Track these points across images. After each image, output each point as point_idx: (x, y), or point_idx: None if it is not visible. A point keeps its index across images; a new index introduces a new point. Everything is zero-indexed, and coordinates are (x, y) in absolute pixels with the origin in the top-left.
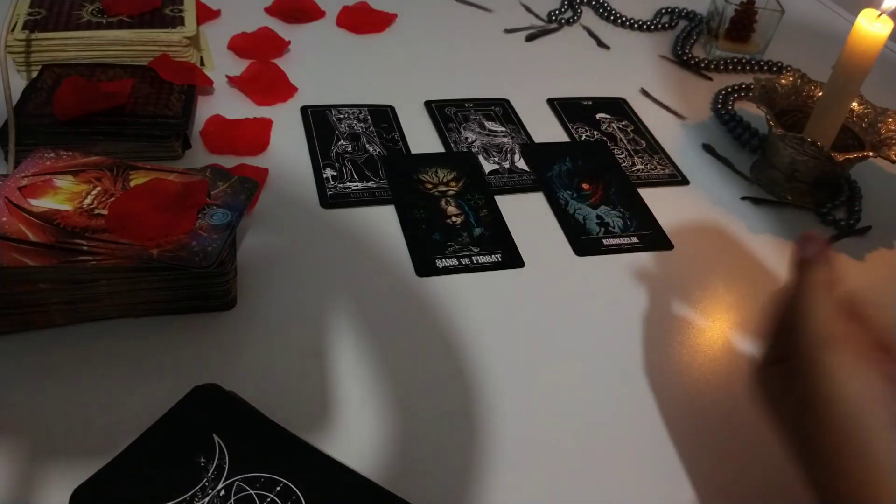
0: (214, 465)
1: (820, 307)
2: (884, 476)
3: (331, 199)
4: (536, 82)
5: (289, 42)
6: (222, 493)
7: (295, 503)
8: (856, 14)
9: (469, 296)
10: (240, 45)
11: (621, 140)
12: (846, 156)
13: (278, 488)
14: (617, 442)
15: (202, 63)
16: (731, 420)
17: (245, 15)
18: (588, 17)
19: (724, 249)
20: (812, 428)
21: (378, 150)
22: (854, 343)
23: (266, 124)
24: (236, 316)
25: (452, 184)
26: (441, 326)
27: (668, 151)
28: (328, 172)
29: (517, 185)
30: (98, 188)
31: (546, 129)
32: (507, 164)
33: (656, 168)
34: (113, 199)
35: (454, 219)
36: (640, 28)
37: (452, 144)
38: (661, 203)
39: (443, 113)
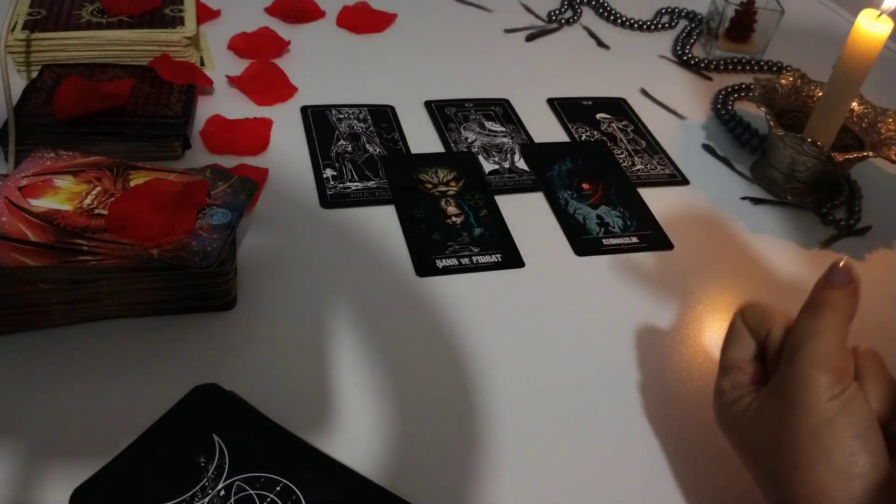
0: (214, 465)
1: (832, 332)
2: (841, 484)
3: (331, 199)
4: (536, 82)
5: (289, 42)
6: (222, 493)
7: (295, 503)
8: (856, 14)
9: (469, 296)
10: (240, 45)
11: (621, 140)
12: (846, 156)
13: (278, 488)
14: (617, 442)
15: (202, 63)
16: None
17: (245, 15)
18: (588, 17)
19: (724, 249)
20: (783, 443)
21: (378, 150)
22: (850, 383)
23: (266, 124)
24: (236, 316)
25: (452, 184)
26: (441, 326)
27: (668, 151)
28: (328, 172)
29: (517, 185)
30: (98, 188)
31: (546, 129)
32: (507, 164)
33: (656, 168)
34: (113, 199)
35: (454, 219)
36: (640, 28)
37: (452, 144)
38: (661, 203)
39: (443, 113)
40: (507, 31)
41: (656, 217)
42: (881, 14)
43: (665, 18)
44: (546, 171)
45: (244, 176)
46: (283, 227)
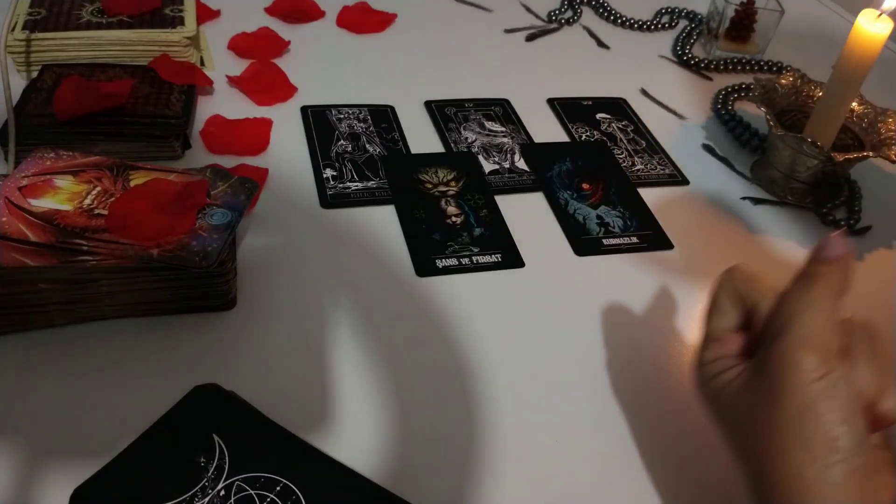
0: (214, 465)
1: (820, 309)
2: (818, 471)
3: (331, 199)
4: (536, 82)
5: (289, 42)
6: (222, 493)
7: (295, 503)
8: (856, 14)
9: (469, 296)
10: (240, 45)
11: (621, 140)
12: (846, 156)
13: (278, 488)
14: (617, 442)
15: (202, 63)
16: None
17: (245, 15)
18: (588, 17)
19: (724, 249)
20: (763, 423)
21: (378, 150)
22: (836, 364)
23: (266, 124)
24: (236, 316)
25: (452, 184)
26: (441, 326)
27: (668, 151)
28: (328, 172)
29: (517, 185)
30: (98, 188)
31: (546, 129)
32: (507, 164)
33: (656, 168)
34: (113, 199)
35: (454, 219)
36: (640, 28)
37: (452, 144)
38: (661, 203)
39: (443, 113)
40: (507, 31)
41: (656, 217)
42: (881, 14)
43: (665, 18)
44: (546, 171)
45: (244, 176)
46: (283, 227)
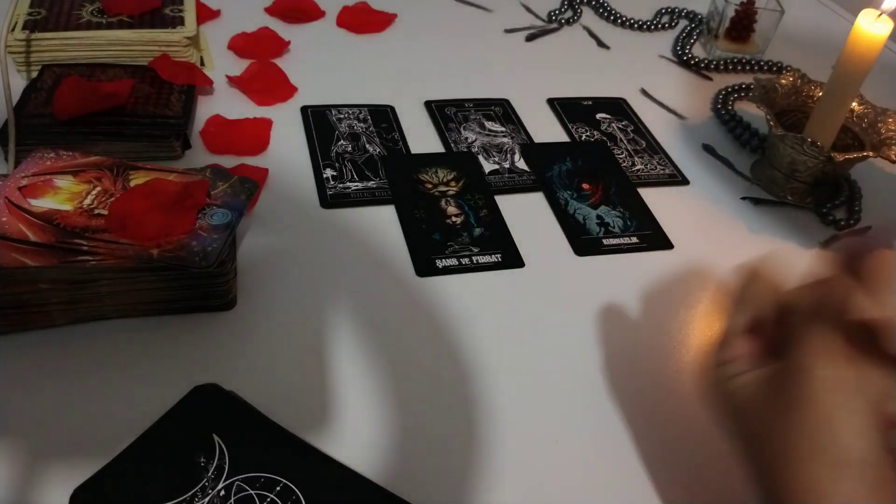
0: (214, 465)
1: (835, 317)
2: (835, 483)
3: (331, 199)
4: (536, 82)
5: (289, 42)
6: (222, 493)
7: (295, 503)
8: (856, 14)
9: (469, 296)
10: (240, 45)
11: (621, 140)
12: (846, 156)
13: (278, 488)
14: (617, 442)
15: (202, 63)
16: None
17: (245, 15)
18: (588, 17)
19: (724, 249)
20: (777, 432)
21: (378, 150)
22: (855, 375)
23: (266, 124)
24: (236, 316)
25: (452, 184)
26: (441, 326)
27: (668, 151)
28: (328, 172)
29: (517, 185)
30: (98, 188)
31: (546, 129)
32: (507, 164)
33: (656, 168)
34: (113, 199)
35: (454, 219)
36: (640, 28)
37: (452, 144)
38: (661, 203)
39: (443, 113)
40: (507, 31)
41: (656, 217)
42: (881, 14)
43: (665, 18)
44: (546, 171)
45: (244, 176)
46: (283, 227)
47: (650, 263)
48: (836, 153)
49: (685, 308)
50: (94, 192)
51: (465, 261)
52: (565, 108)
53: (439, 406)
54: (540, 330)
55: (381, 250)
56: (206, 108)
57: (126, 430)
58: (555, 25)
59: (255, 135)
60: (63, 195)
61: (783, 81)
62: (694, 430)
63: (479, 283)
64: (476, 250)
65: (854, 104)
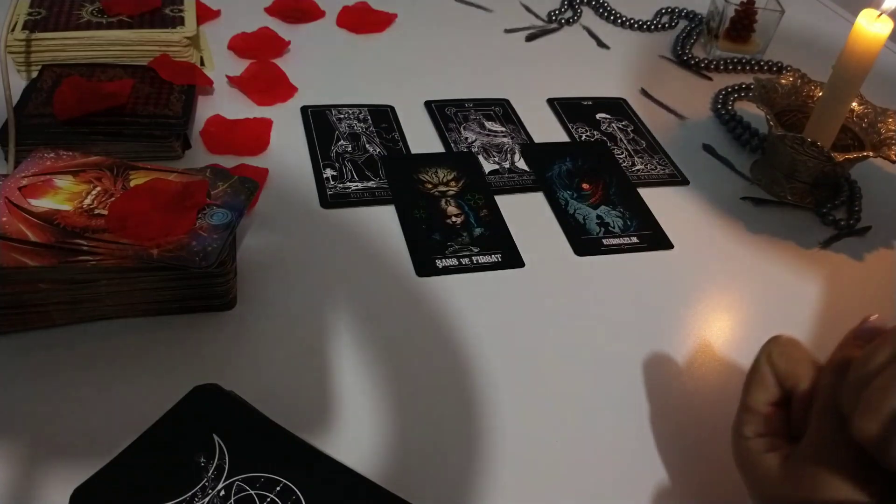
0: (214, 465)
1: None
2: None
3: (331, 199)
4: (536, 82)
5: (289, 42)
6: (222, 493)
7: (295, 503)
8: (856, 14)
9: (469, 296)
10: (240, 45)
11: (621, 140)
12: (846, 156)
13: (278, 488)
14: (616, 442)
15: (202, 63)
16: (729, 421)
17: (245, 15)
18: (588, 17)
19: (724, 249)
20: None
21: (378, 150)
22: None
23: (266, 124)
24: (236, 316)
25: (452, 184)
26: (441, 326)
27: (668, 151)
28: (328, 172)
29: (517, 185)
30: (98, 188)
31: (546, 129)
32: (507, 164)
33: (656, 168)
34: (113, 199)
35: (454, 219)
36: (640, 28)
37: (452, 144)
38: (661, 203)
39: (443, 113)
40: (507, 31)
41: (656, 217)
42: (881, 14)
43: (665, 18)
44: (546, 171)
45: (244, 176)
46: (283, 227)
47: (650, 263)
48: (836, 153)
49: (685, 308)
50: (94, 192)
51: (465, 261)
52: (565, 108)
53: (439, 406)
54: (540, 330)
55: (381, 250)
56: (206, 108)
57: (126, 430)
58: (555, 25)
59: (255, 135)
60: (63, 195)
61: (783, 81)
62: (694, 430)
63: (479, 283)
64: (476, 250)
65: (854, 104)
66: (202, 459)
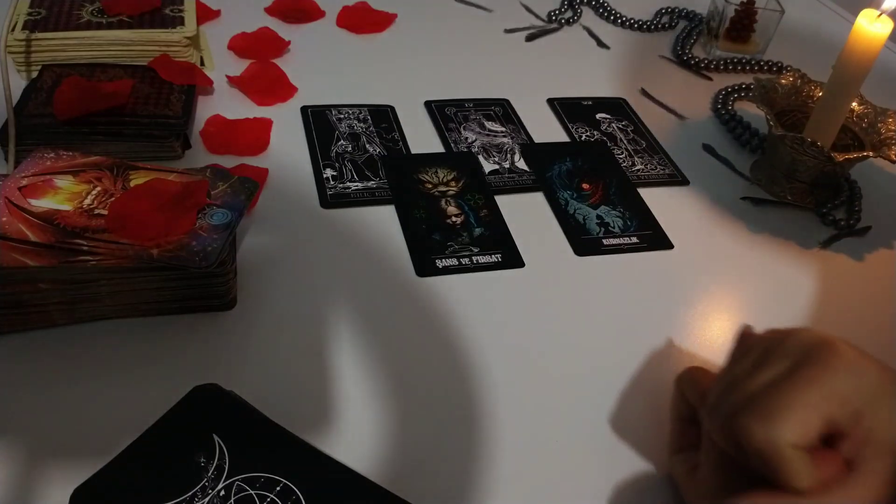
0: (214, 465)
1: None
2: None
3: (331, 199)
4: (536, 82)
5: (289, 42)
6: (222, 493)
7: (295, 503)
8: (856, 14)
9: (469, 296)
10: (240, 45)
11: (621, 140)
12: (846, 156)
13: (278, 488)
14: (616, 442)
15: (202, 63)
16: None
17: (245, 15)
18: (588, 17)
19: (724, 249)
20: None
21: (378, 150)
22: None
23: (266, 124)
24: (236, 316)
25: (452, 184)
26: (441, 326)
27: (668, 151)
28: (328, 172)
29: (517, 185)
30: (98, 188)
31: (546, 129)
32: (507, 164)
33: (656, 168)
34: (113, 199)
35: (454, 219)
36: (640, 28)
37: (452, 144)
38: (661, 203)
39: (443, 113)
40: (507, 31)
41: (656, 217)
42: (881, 14)
43: (665, 18)
44: (546, 171)
45: (244, 176)
46: (283, 227)
47: (650, 263)
48: (836, 153)
49: (685, 308)
50: (94, 192)
51: (465, 261)
52: (565, 108)
53: (439, 406)
54: (540, 330)
55: (381, 250)
56: (206, 108)
57: (126, 430)
58: (555, 25)
59: (255, 135)
60: (63, 195)
61: (783, 81)
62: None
63: (479, 283)
64: (476, 250)
65: (854, 104)
66: (202, 459)
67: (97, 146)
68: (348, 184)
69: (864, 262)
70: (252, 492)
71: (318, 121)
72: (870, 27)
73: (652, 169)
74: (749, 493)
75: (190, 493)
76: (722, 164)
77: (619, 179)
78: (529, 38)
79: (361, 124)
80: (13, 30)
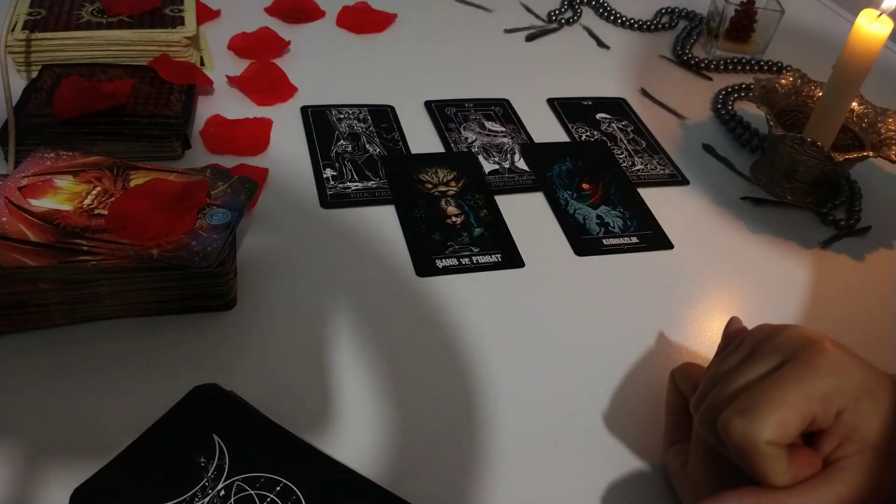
0: (214, 465)
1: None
2: None
3: (331, 199)
4: (536, 82)
5: (289, 42)
6: (222, 493)
7: (295, 503)
8: (856, 14)
9: (469, 296)
10: (240, 45)
11: (621, 140)
12: (846, 156)
13: (278, 488)
14: (616, 442)
15: (202, 63)
16: None
17: (245, 15)
18: (588, 17)
19: (724, 249)
20: None
21: (378, 150)
22: None
23: (266, 124)
24: (236, 316)
25: (452, 184)
26: (441, 326)
27: (668, 151)
28: (328, 172)
29: (517, 185)
30: (98, 188)
31: (546, 129)
32: (507, 164)
33: (656, 168)
34: (113, 199)
35: (454, 219)
36: (640, 28)
37: (452, 144)
38: (661, 203)
39: (443, 113)
40: (507, 31)
41: (656, 217)
42: (881, 14)
43: (665, 18)
44: (546, 171)
45: (244, 176)
46: (283, 227)
47: (650, 263)
48: (836, 153)
49: (685, 308)
50: (94, 192)
51: (465, 261)
52: (565, 108)
53: (439, 406)
54: (540, 330)
55: (381, 250)
56: (206, 108)
57: (126, 430)
58: (555, 25)
59: (255, 135)
60: (63, 195)
61: (783, 81)
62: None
63: (479, 283)
64: (476, 250)
65: (854, 104)
66: (202, 459)
67: (97, 146)
68: (348, 184)
69: (864, 262)
70: (252, 492)
71: (318, 121)
72: (870, 27)
73: (652, 169)
74: (737, 490)
75: (190, 493)
76: (722, 164)
77: (619, 179)
78: (529, 38)
79: (361, 124)
80: (13, 30)
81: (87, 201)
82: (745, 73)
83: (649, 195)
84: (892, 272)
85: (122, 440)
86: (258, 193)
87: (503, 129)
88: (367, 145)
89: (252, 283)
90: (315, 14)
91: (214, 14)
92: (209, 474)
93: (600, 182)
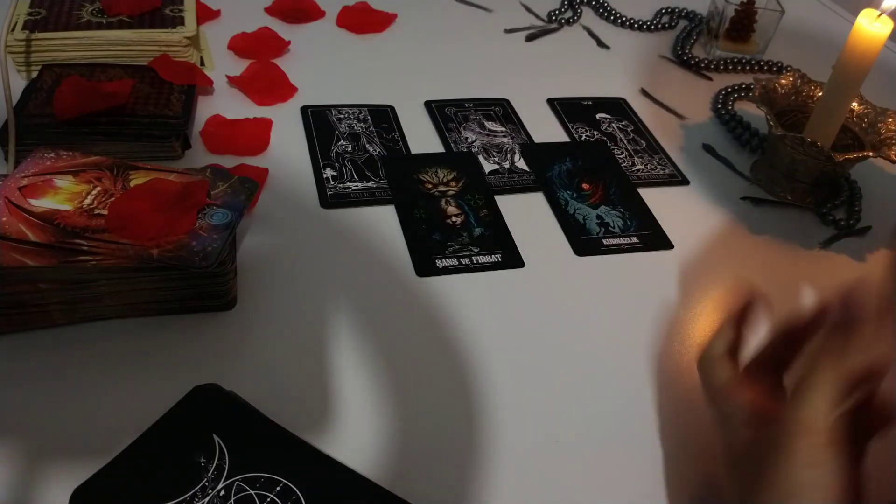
0: (214, 465)
1: (828, 392)
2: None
3: (331, 199)
4: (536, 82)
5: (289, 42)
6: (222, 493)
7: (295, 503)
8: (856, 14)
9: (469, 296)
10: (240, 45)
11: (621, 140)
12: (846, 156)
13: (278, 488)
14: (616, 442)
15: (202, 63)
16: None
17: (245, 15)
18: (588, 17)
19: (724, 249)
20: (752, 481)
21: (378, 150)
22: (831, 457)
23: (266, 124)
24: (236, 316)
25: (452, 184)
26: (441, 326)
27: (668, 151)
28: (328, 172)
29: (517, 185)
30: (98, 188)
31: (546, 129)
32: (507, 164)
33: (656, 168)
34: (113, 199)
35: (454, 219)
36: (640, 28)
37: (452, 144)
38: (661, 203)
39: (443, 113)
40: (507, 31)
41: (656, 217)
42: (881, 14)
43: (665, 18)
44: (546, 171)
45: (244, 176)
46: (283, 227)
47: (650, 263)
48: (836, 153)
49: (685, 308)
50: (94, 192)
51: (465, 261)
52: (565, 108)
53: (439, 406)
54: (540, 330)
55: (381, 250)
56: (206, 108)
57: (126, 430)
58: (555, 25)
59: (255, 135)
60: (63, 195)
61: (783, 81)
62: (695, 430)
63: (479, 283)
64: (476, 250)
65: (854, 104)
66: (202, 459)
67: (97, 146)
68: (348, 184)
69: (864, 262)
70: (252, 492)
71: (318, 121)
72: (870, 27)
73: (652, 169)
74: None
75: (190, 493)
76: (722, 164)
77: (619, 179)
78: (529, 38)
79: (361, 124)
80: (13, 30)
81: (87, 201)
82: (745, 73)
83: (649, 195)
84: (893, 272)
85: (122, 440)
86: (258, 193)
87: (503, 129)
88: (367, 145)
89: (252, 283)
90: (315, 14)
91: (214, 14)
92: (209, 474)
93: (600, 182)
